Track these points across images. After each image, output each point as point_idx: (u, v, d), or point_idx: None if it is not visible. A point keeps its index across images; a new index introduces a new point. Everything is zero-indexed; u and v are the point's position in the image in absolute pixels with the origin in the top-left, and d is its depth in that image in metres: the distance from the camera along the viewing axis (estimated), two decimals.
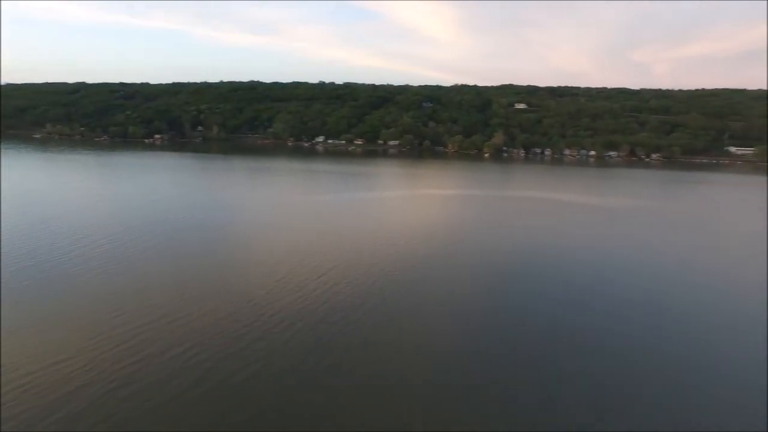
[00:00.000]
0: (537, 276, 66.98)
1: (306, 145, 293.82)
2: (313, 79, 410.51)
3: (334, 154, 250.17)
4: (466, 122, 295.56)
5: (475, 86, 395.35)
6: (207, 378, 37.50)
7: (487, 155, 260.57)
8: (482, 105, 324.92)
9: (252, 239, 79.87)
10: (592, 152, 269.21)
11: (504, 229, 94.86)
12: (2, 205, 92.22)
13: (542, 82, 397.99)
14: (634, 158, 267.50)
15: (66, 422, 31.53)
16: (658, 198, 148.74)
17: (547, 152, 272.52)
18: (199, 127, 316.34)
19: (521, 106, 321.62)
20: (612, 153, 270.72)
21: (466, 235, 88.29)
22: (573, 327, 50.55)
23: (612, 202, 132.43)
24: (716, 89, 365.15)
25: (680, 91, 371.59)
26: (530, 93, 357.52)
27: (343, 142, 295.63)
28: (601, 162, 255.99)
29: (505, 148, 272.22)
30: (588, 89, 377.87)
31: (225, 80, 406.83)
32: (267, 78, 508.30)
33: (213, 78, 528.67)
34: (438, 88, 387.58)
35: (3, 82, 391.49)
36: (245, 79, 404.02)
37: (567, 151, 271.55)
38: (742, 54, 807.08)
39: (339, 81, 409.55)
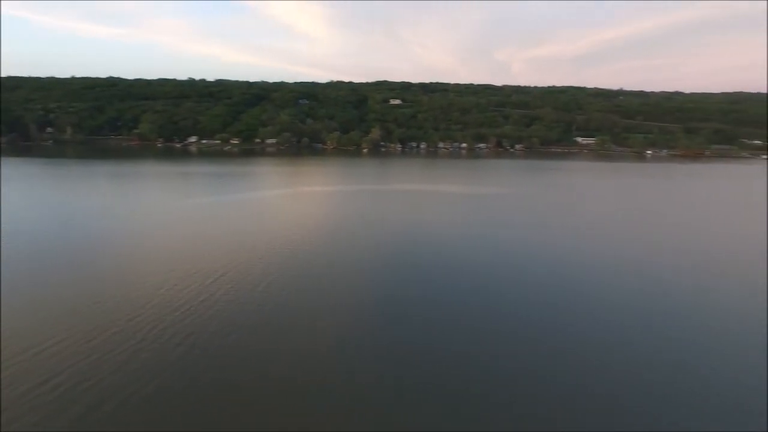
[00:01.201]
0: (427, 266, 66.64)
1: (178, 145, 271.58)
2: (182, 76, 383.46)
3: (209, 155, 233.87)
4: (343, 119, 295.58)
5: (350, 83, 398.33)
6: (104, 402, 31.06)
7: (365, 151, 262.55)
8: (358, 101, 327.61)
9: (125, 251, 69.34)
10: (464, 144, 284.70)
11: (389, 222, 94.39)
12: None
13: (415, 79, 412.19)
14: (501, 149, 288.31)
15: None
16: (529, 184, 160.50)
17: (423, 146, 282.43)
18: (49, 129, 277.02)
19: (396, 101, 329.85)
20: (481, 145, 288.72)
21: (351, 231, 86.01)
22: (481, 315, 50.10)
23: (488, 189, 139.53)
24: (564, 87, 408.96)
25: (536, 87, 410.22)
26: (404, 89, 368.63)
27: (218, 141, 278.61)
28: (472, 153, 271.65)
29: (382, 143, 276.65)
30: (457, 85, 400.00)
31: (77, 76, 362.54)
32: (129, 74, 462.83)
33: (61, 73, 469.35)
34: (314, 85, 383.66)
35: None
36: (102, 74, 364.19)
37: (441, 144, 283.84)
38: (582, 56, 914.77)
39: (210, 78, 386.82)
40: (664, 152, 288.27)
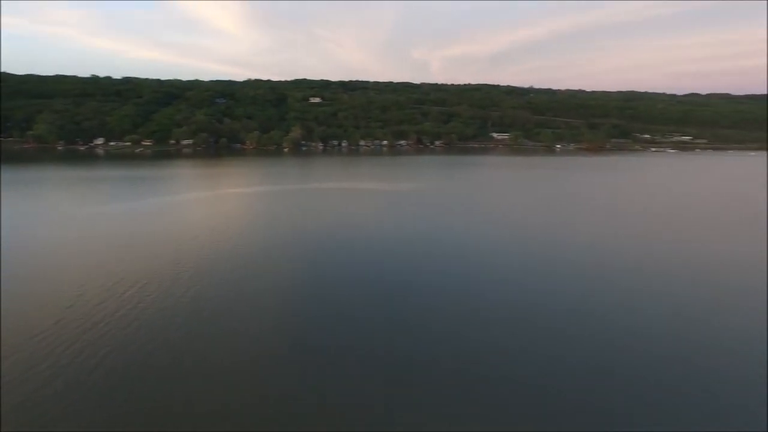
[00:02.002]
0: (351, 263, 67.77)
1: (82, 148, 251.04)
2: (84, 73, 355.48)
3: (118, 158, 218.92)
4: (263, 118, 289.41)
5: (269, 81, 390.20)
6: None
7: (286, 150, 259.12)
8: (277, 100, 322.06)
9: (27, 265, 63.78)
10: (385, 142, 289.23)
11: (314, 222, 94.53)
12: None
13: (334, 77, 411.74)
14: (421, 145, 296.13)
15: None
16: (451, 179, 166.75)
17: (344, 144, 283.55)
18: None
19: (316, 100, 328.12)
20: (402, 142, 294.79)
21: (276, 231, 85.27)
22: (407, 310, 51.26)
23: (410, 185, 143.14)
24: (479, 84, 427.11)
25: (452, 85, 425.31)
26: (324, 87, 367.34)
27: (129, 143, 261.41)
28: (394, 150, 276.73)
29: (303, 142, 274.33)
30: (376, 83, 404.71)
31: None
32: (17, 69, 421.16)
33: None
34: (231, 83, 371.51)
35: None
36: None
37: (362, 142, 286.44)
38: (495, 55, 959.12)
39: (117, 75, 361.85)
40: (572, 146, 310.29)
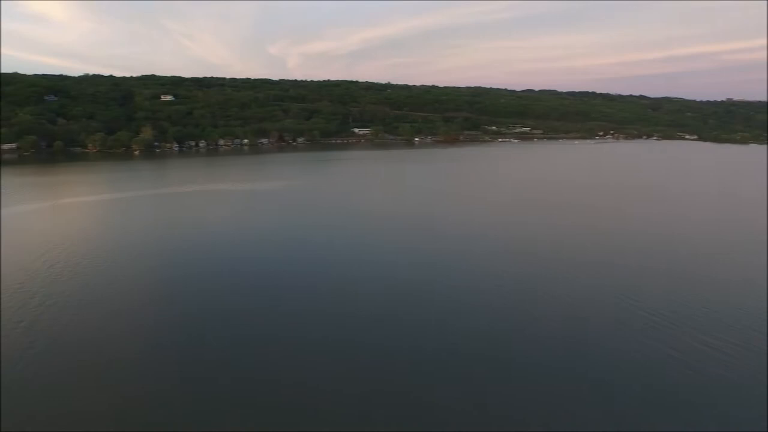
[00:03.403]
0: (206, 263, 68.05)
1: None
2: None
3: None
4: (106, 117, 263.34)
5: (111, 77, 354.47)
6: None
7: (137, 152, 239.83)
8: (123, 98, 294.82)
9: None
10: (246, 140, 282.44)
11: (172, 227, 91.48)
12: None
13: (187, 73, 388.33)
14: (284, 143, 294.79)
15: None
16: (315, 175, 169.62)
17: (202, 144, 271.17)
18: None
19: (168, 98, 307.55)
20: (264, 140, 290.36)
21: (130, 241, 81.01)
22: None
23: (274, 184, 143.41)
24: (338, 80, 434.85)
25: (312, 81, 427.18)
26: (175, 84, 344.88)
27: None
28: (255, 149, 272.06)
29: (156, 143, 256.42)
30: (233, 80, 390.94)
31: None
32: None
33: None
34: (63, 78, 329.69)
35: None
36: None
37: (222, 141, 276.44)
38: (353, 52, 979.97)
39: None
40: (429, 138, 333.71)
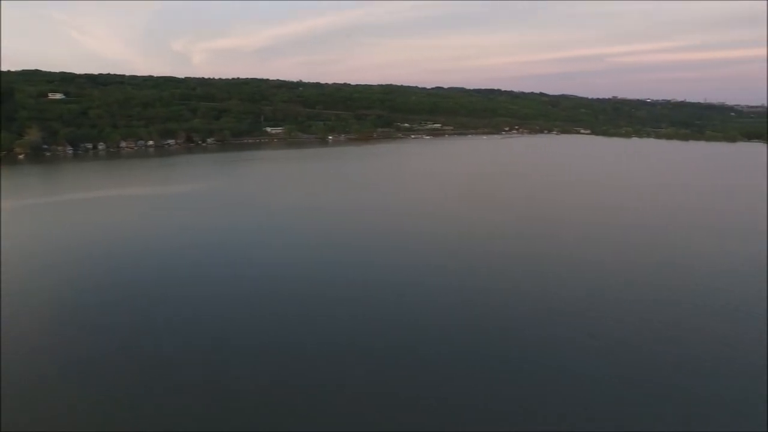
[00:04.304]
0: (105, 275, 63.55)
1: None
2: None
3: None
4: None
5: None
6: None
7: (22, 156, 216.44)
8: (0, 95, 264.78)
9: None
10: (150, 142, 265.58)
11: (72, 238, 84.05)
12: None
13: (79, 69, 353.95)
14: (192, 144, 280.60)
15: None
16: (228, 175, 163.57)
17: (101, 146, 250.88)
18: None
19: (57, 96, 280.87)
20: (170, 141, 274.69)
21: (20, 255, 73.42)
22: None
23: (184, 187, 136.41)
24: (248, 78, 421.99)
25: (220, 79, 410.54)
26: (66, 81, 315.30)
27: None
28: (162, 151, 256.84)
29: (46, 146, 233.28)
30: (134, 77, 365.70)
31: None
32: None
33: None
34: None
35: None
36: None
37: (124, 144, 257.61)
38: (262, 49, 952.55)
39: None
40: (343, 137, 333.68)
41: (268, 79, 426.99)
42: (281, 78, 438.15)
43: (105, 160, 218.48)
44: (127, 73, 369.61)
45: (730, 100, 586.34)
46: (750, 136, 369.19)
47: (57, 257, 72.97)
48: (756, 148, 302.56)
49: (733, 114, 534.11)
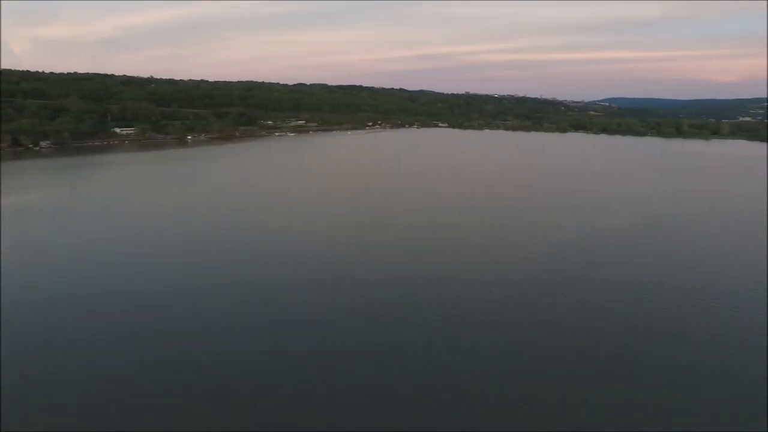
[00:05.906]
0: None
1: None
2: None
3: None
4: None
5: None
6: None
7: None
8: None
9: None
10: None
11: None
12: None
13: None
14: (21, 148, 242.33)
15: None
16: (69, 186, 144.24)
17: None
18: None
19: None
20: None
21: None
22: None
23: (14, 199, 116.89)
24: (89, 73, 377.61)
25: (52, 74, 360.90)
26: None
27: None
28: None
29: None
30: None
31: None
32: None
33: None
34: None
35: None
36: None
37: None
38: (105, 40, 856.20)
39: None
40: (203, 136, 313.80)
41: (113, 75, 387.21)
42: (128, 74, 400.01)
43: None
44: None
45: (560, 96, 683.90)
46: (576, 127, 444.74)
47: None
48: (581, 137, 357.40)
49: (563, 108, 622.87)
